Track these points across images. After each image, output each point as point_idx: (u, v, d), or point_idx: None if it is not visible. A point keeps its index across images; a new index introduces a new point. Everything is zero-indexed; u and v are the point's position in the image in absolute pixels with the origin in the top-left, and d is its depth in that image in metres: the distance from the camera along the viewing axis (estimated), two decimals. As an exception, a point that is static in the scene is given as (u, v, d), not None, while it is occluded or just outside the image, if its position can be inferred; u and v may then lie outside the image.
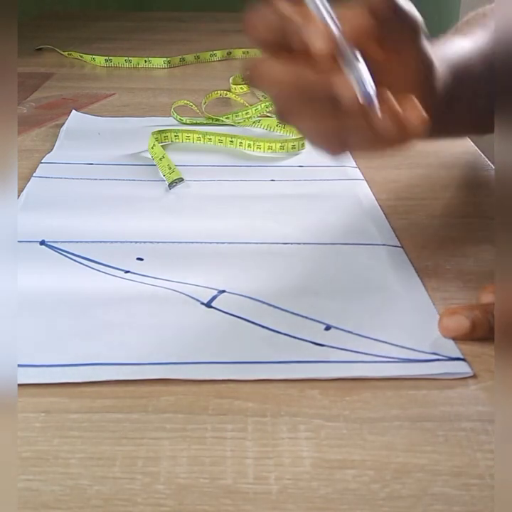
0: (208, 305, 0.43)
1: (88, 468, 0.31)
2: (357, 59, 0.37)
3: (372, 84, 0.37)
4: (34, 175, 0.63)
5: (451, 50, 0.51)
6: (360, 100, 0.37)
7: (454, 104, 0.48)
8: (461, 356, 0.38)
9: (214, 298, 0.44)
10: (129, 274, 0.47)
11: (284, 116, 0.41)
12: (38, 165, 0.65)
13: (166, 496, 0.30)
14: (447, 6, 1.86)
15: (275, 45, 0.39)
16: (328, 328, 0.41)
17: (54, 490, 0.30)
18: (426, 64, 0.43)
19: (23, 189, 0.60)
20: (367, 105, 0.37)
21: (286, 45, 0.38)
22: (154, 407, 0.35)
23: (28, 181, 0.61)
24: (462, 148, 0.70)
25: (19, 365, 0.37)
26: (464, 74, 0.49)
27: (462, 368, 0.37)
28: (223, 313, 0.42)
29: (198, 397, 0.36)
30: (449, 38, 0.53)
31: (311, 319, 0.42)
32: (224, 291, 0.45)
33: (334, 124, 0.39)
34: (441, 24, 1.85)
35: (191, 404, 0.35)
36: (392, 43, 0.40)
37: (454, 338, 0.39)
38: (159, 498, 0.30)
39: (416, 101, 0.39)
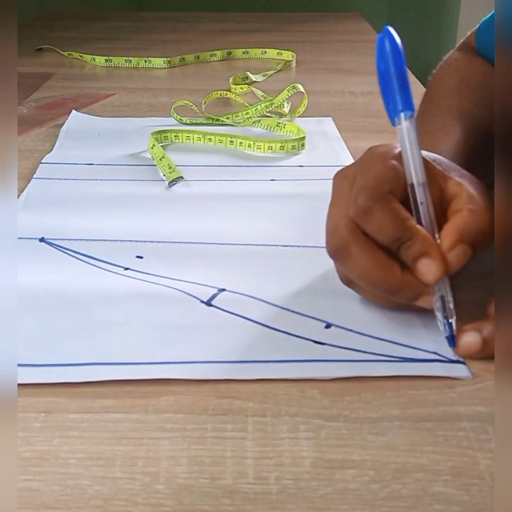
0: (208, 303, 0.43)
1: (88, 468, 0.31)
2: (451, 306, 0.40)
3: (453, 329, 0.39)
4: (34, 176, 0.63)
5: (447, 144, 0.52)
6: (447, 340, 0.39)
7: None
8: (461, 359, 0.38)
9: (214, 296, 0.44)
10: (128, 271, 0.47)
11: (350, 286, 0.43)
12: (38, 165, 0.65)
13: (166, 495, 0.30)
14: (447, 6, 1.86)
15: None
16: (328, 326, 0.41)
17: (54, 490, 0.30)
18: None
19: (24, 189, 0.60)
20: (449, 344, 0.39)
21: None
22: (154, 407, 0.35)
23: (29, 181, 0.61)
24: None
25: (19, 365, 0.37)
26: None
27: (462, 372, 0.37)
28: (223, 312, 0.42)
29: (198, 397, 0.36)
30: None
31: (311, 317, 0.42)
32: (224, 290, 0.45)
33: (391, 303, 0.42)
34: (441, 24, 1.84)
35: (191, 404, 0.35)
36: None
37: (467, 357, 0.38)
38: (159, 498, 0.30)
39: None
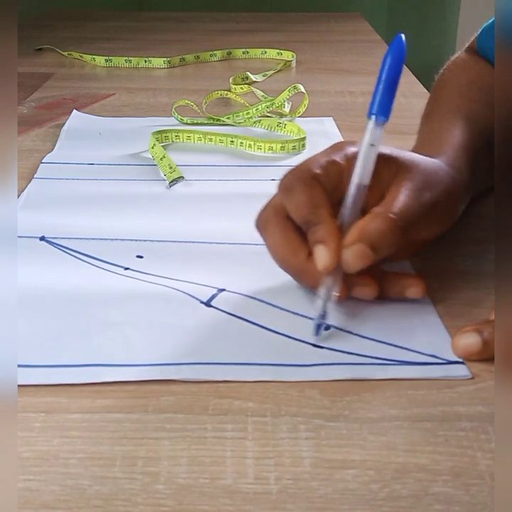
0: (208, 304, 0.43)
1: (88, 468, 0.31)
2: (331, 294, 0.41)
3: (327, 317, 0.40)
4: (35, 176, 0.63)
5: (456, 139, 0.52)
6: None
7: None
8: (460, 359, 0.38)
9: (213, 297, 0.44)
10: (128, 271, 0.47)
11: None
12: (38, 165, 0.65)
13: (166, 495, 0.30)
14: (447, 7, 1.86)
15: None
16: (327, 327, 0.41)
17: (54, 490, 0.30)
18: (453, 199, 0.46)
19: (24, 189, 0.60)
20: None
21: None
22: (154, 407, 0.35)
23: (29, 181, 0.61)
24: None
25: (19, 366, 0.37)
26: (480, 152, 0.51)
27: (461, 371, 0.37)
28: (223, 313, 0.42)
29: (198, 397, 0.36)
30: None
31: (310, 318, 0.42)
32: (223, 290, 0.45)
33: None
34: (441, 24, 1.84)
35: (191, 404, 0.35)
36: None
37: (467, 358, 0.38)
38: (159, 498, 0.30)
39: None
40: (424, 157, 0.46)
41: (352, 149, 0.43)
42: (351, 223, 0.41)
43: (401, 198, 0.42)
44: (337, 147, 0.44)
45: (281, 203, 0.42)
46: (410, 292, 0.43)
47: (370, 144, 0.42)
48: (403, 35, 0.41)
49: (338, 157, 0.43)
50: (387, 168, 0.43)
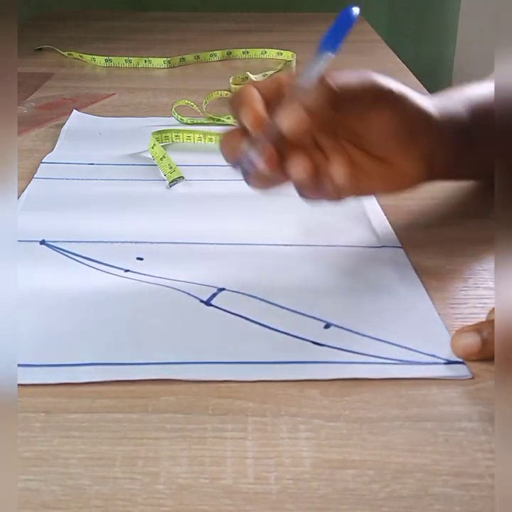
0: (208, 303, 0.43)
1: (88, 468, 0.31)
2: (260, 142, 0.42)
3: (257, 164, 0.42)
4: (35, 176, 0.63)
5: (475, 92, 0.52)
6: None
7: (476, 144, 0.48)
8: (460, 359, 0.38)
9: (214, 296, 0.44)
10: (128, 272, 0.47)
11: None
12: (38, 165, 0.65)
13: (166, 495, 0.30)
14: (447, 6, 1.86)
15: None
16: (327, 326, 0.41)
17: (54, 490, 0.30)
18: (412, 117, 0.47)
19: (24, 190, 0.60)
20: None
21: None
22: (154, 407, 0.35)
23: (29, 182, 0.61)
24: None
25: (19, 365, 0.37)
26: (485, 114, 0.49)
27: (461, 371, 0.37)
28: (223, 312, 0.42)
29: (198, 397, 0.36)
30: (481, 82, 0.54)
31: (310, 317, 0.42)
32: (223, 289, 0.45)
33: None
34: (441, 24, 1.84)
35: (191, 404, 0.35)
36: (354, 112, 0.45)
37: (466, 358, 0.38)
38: (159, 498, 0.30)
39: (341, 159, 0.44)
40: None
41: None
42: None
43: (346, 77, 0.44)
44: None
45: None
46: (334, 170, 0.44)
47: (314, 68, 0.43)
48: (355, 9, 0.43)
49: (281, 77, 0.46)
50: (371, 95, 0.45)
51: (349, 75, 0.44)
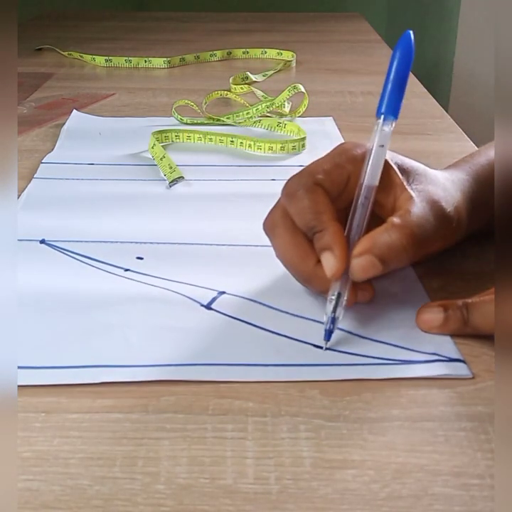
0: (208, 307, 0.43)
1: (88, 468, 0.31)
2: (341, 300, 0.40)
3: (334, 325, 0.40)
4: (35, 176, 0.63)
5: (483, 157, 0.51)
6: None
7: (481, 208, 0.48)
8: (461, 358, 0.38)
9: (214, 299, 0.44)
10: (128, 272, 0.47)
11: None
12: (38, 165, 0.65)
13: (166, 495, 0.30)
14: (447, 6, 1.86)
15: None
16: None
17: (54, 490, 0.30)
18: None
19: (24, 189, 0.60)
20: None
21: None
22: (154, 407, 0.35)
23: (29, 181, 0.61)
24: (462, 148, 0.70)
25: (19, 367, 0.37)
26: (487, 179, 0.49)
27: (462, 370, 0.37)
28: (223, 315, 0.42)
29: (198, 397, 0.36)
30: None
31: (311, 320, 0.42)
32: (224, 293, 0.45)
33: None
34: (441, 24, 1.84)
35: (191, 404, 0.35)
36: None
37: (429, 331, 0.40)
38: (159, 498, 0.30)
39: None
40: (429, 168, 0.46)
41: (358, 151, 0.43)
42: (361, 225, 0.41)
43: (415, 210, 0.41)
44: (341, 150, 0.44)
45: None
46: (361, 295, 0.42)
47: (379, 144, 0.41)
48: (411, 33, 0.41)
49: (343, 160, 0.43)
50: (402, 173, 0.43)
51: (425, 210, 0.41)
